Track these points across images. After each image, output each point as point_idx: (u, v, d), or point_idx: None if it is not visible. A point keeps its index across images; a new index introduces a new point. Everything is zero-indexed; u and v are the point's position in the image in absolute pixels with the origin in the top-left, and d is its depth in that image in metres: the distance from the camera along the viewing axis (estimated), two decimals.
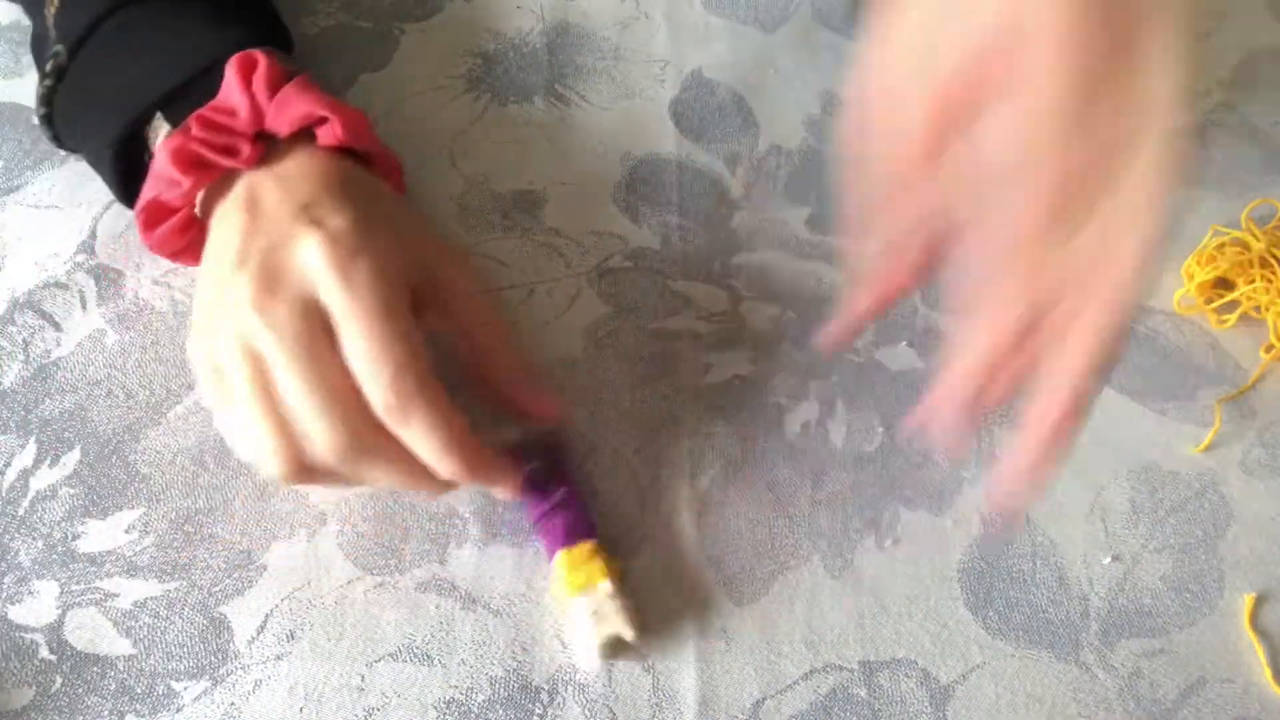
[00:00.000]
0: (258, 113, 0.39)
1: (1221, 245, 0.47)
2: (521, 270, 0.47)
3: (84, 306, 0.46)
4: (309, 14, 0.55)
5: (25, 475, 0.42)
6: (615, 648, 0.39)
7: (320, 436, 0.35)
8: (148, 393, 0.44)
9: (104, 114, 0.42)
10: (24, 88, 0.52)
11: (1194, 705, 0.39)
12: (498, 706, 0.38)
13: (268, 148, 0.40)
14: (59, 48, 0.43)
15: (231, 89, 0.40)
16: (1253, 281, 0.46)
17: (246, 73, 0.40)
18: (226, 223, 0.38)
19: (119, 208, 0.48)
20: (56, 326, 0.45)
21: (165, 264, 0.46)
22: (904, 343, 0.46)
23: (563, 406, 0.42)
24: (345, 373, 0.35)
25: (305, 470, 0.35)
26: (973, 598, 0.41)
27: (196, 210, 0.41)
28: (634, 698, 0.39)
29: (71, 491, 0.42)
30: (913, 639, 0.40)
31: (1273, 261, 0.46)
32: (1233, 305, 0.47)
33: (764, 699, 0.39)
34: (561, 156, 0.51)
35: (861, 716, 0.39)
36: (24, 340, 0.45)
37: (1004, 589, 0.41)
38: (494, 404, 0.41)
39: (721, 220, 0.49)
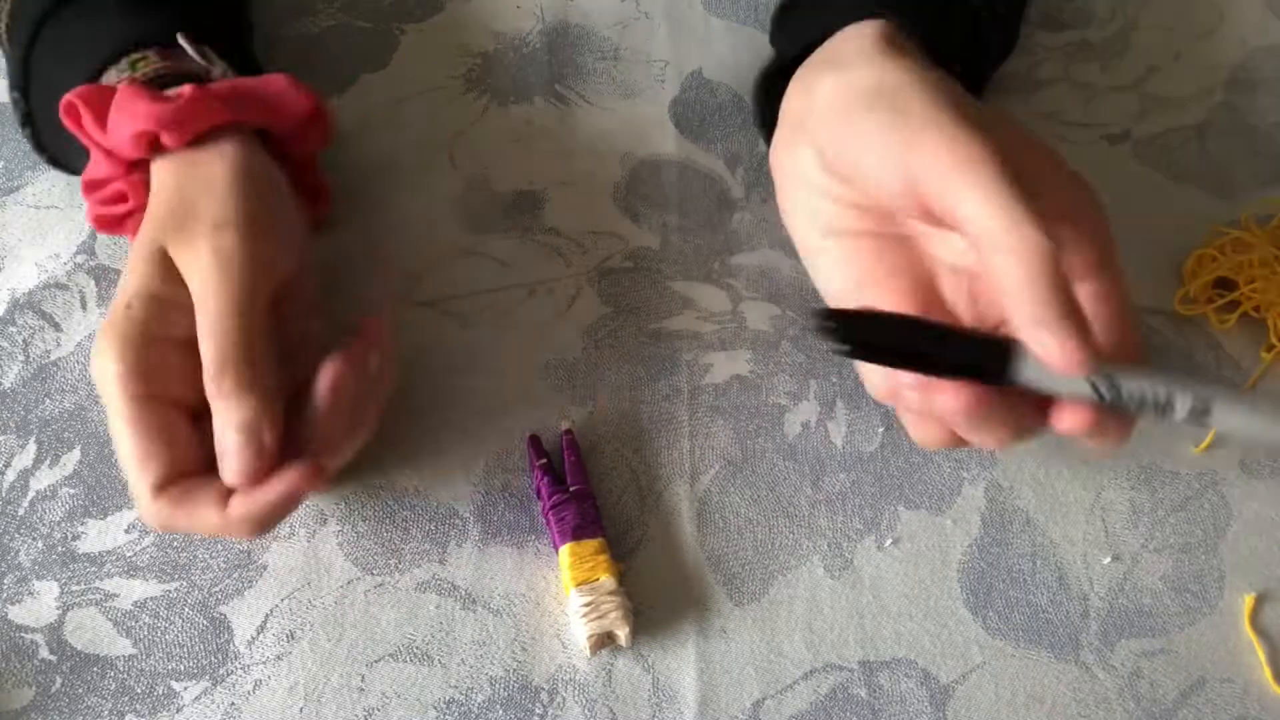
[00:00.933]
0: (110, 153, 0.40)
1: (1221, 245, 0.47)
2: (521, 270, 0.47)
3: (84, 307, 0.46)
4: (309, 14, 0.55)
5: (25, 475, 0.42)
6: (606, 644, 0.39)
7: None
8: None
9: (59, 138, 0.43)
10: None
11: (1194, 705, 0.39)
12: (498, 706, 0.38)
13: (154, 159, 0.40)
14: (15, 94, 0.44)
15: (84, 138, 0.41)
16: (1253, 281, 0.46)
17: (76, 120, 0.40)
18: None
19: None
20: (56, 327, 0.45)
21: None
22: None
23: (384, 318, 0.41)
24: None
25: None
26: (973, 598, 0.41)
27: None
28: (634, 698, 0.39)
29: (71, 491, 0.42)
30: (913, 639, 0.40)
31: (1273, 261, 0.46)
32: (1233, 305, 0.47)
33: (764, 699, 0.39)
34: (561, 156, 0.51)
35: (861, 716, 0.39)
36: (24, 340, 0.45)
37: (1004, 589, 0.41)
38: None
39: (721, 220, 0.49)
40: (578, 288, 0.47)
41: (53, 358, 0.45)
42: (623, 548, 0.41)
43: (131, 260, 0.38)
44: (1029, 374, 0.32)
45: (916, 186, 0.34)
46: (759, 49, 0.54)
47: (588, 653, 0.39)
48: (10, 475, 0.42)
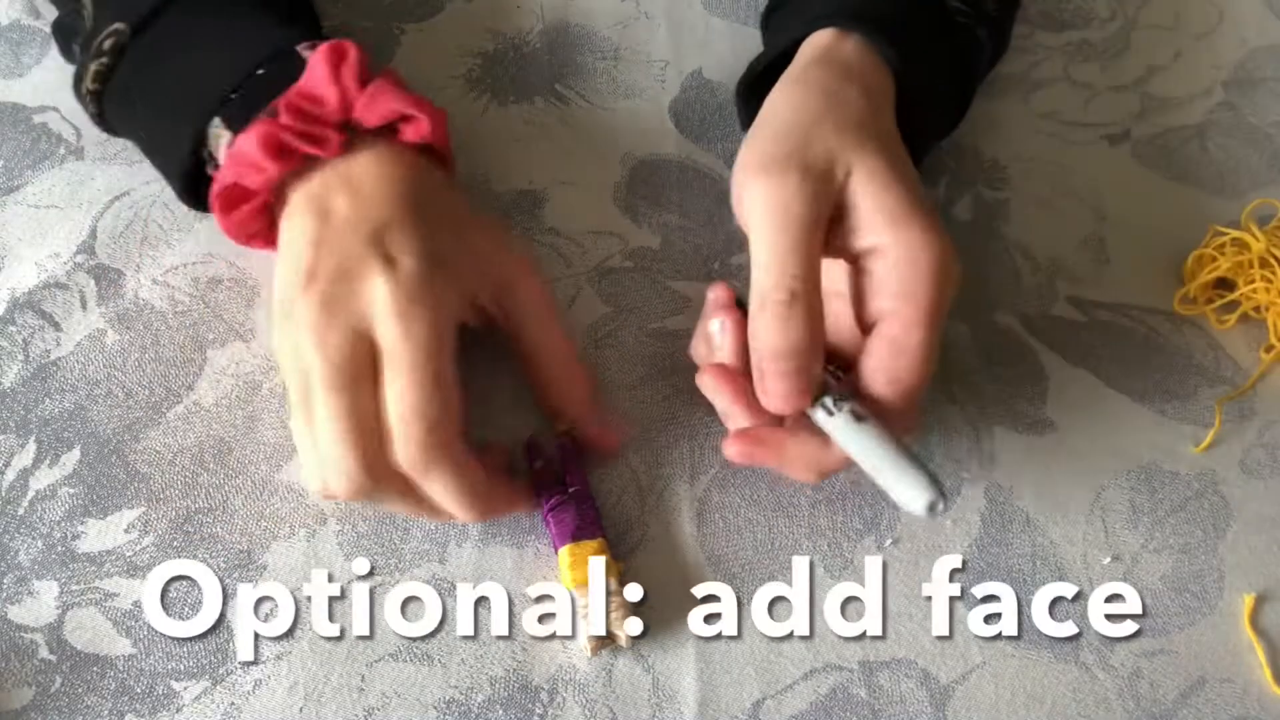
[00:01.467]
0: (347, 103, 0.39)
1: (1221, 245, 0.47)
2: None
3: (84, 306, 0.46)
4: None
5: (25, 475, 0.42)
6: (606, 645, 0.39)
7: (333, 466, 0.35)
8: (148, 393, 0.44)
9: (174, 110, 0.42)
10: (24, 88, 0.52)
11: (1194, 705, 0.39)
12: (498, 706, 0.38)
13: (348, 140, 0.40)
14: (120, 25, 0.42)
15: (320, 78, 0.39)
16: (1253, 281, 0.46)
17: (335, 63, 0.40)
18: (296, 228, 0.38)
19: (119, 207, 0.48)
20: (56, 326, 0.45)
21: (165, 264, 0.46)
22: None
23: (625, 435, 0.43)
24: (377, 410, 0.35)
25: (330, 492, 0.36)
26: (973, 597, 0.41)
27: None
28: (634, 698, 0.39)
29: (71, 491, 0.42)
30: (912, 639, 0.40)
31: (1273, 261, 0.46)
32: (1233, 305, 0.47)
33: (764, 699, 0.39)
34: (561, 156, 0.51)
35: (861, 716, 0.39)
36: (24, 340, 0.45)
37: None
38: (553, 419, 0.43)
39: (721, 220, 0.49)
40: (578, 288, 0.47)
41: (53, 357, 0.45)
42: (623, 548, 0.41)
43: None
44: None
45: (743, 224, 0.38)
46: (759, 49, 0.54)
47: (588, 654, 0.39)
48: (10, 475, 0.42)
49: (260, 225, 0.41)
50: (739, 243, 0.48)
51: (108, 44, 0.42)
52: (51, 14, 0.47)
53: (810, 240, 0.35)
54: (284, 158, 0.39)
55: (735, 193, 0.39)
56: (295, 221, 0.38)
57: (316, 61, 0.40)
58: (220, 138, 0.40)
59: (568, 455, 0.42)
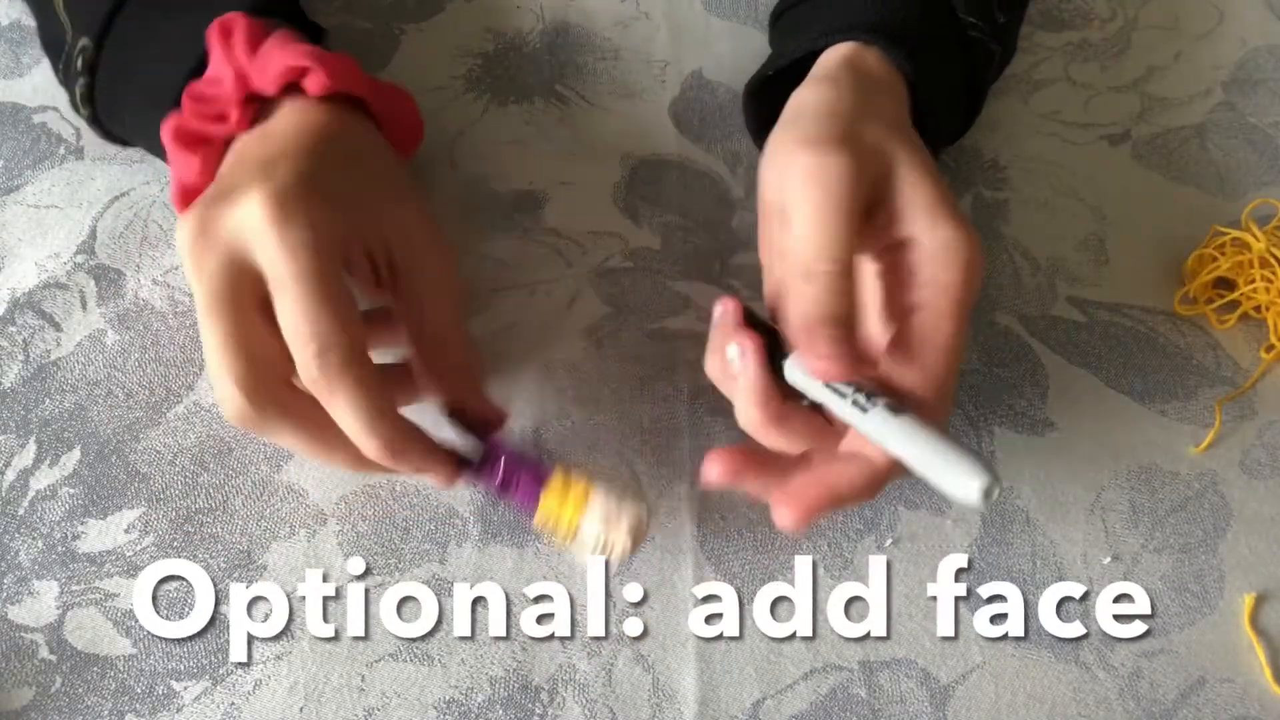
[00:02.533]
0: (242, 75, 0.39)
1: (1221, 245, 0.47)
2: (521, 270, 0.47)
3: (84, 306, 0.46)
4: (309, 14, 0.55)
5: (25, 475, 0.42)
6: (640, 531, 0.38)
7: (220, 394, 0.35)
8: (148, 393, 0.44)
9: (144, 110, 0.42)
10: (24, 88, 0.52)
11: (1194, 705, 0.39)
12: (498, 706, 0.38)
13: (262, 108, 0.39)
14: (85, 41, 0.43)
15: (216, 58, 0.40)
16: (1253, 281, 0.46)
17: (225, 37, 0.40)
18: (212, 185, 0.38)
19: (119, 207, 0.48)
20: (56, 326, 0.45)
21: (165, 264, 0.46)
22: None
23: (506, 413, 0.40)
24: (264, 333, 0.35)
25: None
26: (973, 598, 0.41)
27: None
28: (634, 698, 0.39)
29: (71, 491, 0.42)
30: (913, 639, 0.40)
31: (1273, 261, 0.46)
32: (1233, 305, 0.47)
33: (764, 699, 0.39)
34: (561, 156, 0.51)
35: (861, 716, 0.39)
36: (24, 340, 0.45)
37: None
38: (439, 395, 0.39)
39: (721, 220, 0.49)
40: (578, 288, 0.47)
41: (53, 358, 0.45)
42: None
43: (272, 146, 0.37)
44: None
45: (779, 201, 0.37)
46: (759, 49, 0.54)
47: (630, 552, 0.38)
48: (10, 475, 0.42)
49: None
50: (739, 243, 0.48)
51: (79, 63, 0.43)
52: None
53: (854, 216, 0.35)
54: (201, 145, 0.39)
55: (767, 174, 0.38)
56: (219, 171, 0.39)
57: (211, 43, 0.40)
58: None
59: (479, 434, 0.39)
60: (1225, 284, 0.47)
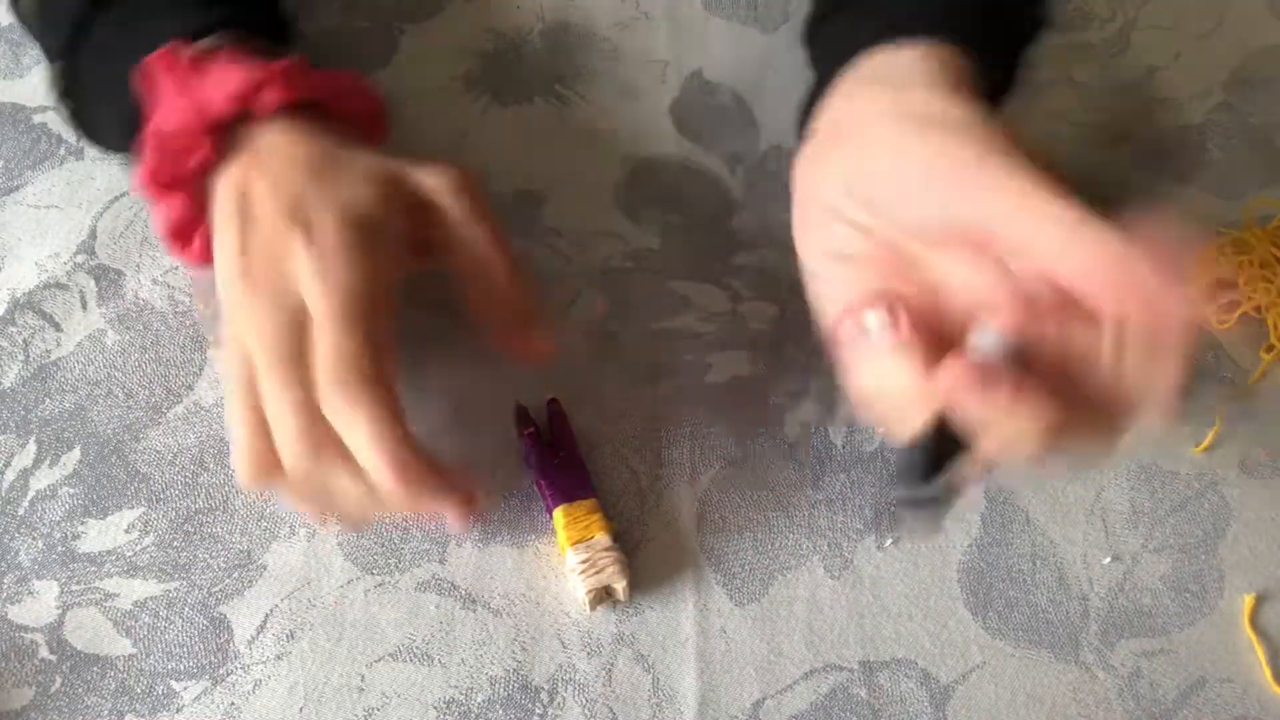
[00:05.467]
0: (198, 105, 0.39)
1: (1221, 245, 0.47)
2: (521, 270, 0.47)
3: (84, 306, 0.46)
4: (309, 14, 0.55)
5: (25, 475, 0.42)
6: (604, 600, 0.40)
7: (280, 437, 0.35)
8: (148, 393, 0.44)
9: (115, 143, 0.42)
10: (24, 88, 0.52)
11: (1194, 705, 0.39)
12: (498, 706, 0.38)
13: (233, 130, 0.39)
14: (58, 67, 0.43)
15: (165, 93, 0.39)
16: (1253, 281, 0.46)
17: (168, 71, 0.39)
18: (226, 231, 0.38)
19: (119, 207, 0.48)
20: (56, 326, 0.45)
21: (165, 264, 0.46)
22: None
23: (553, 345, 0.41)
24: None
25: (264, 472, 0.35)
26: (973, 598, 0.41)
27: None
28: (634, 698, 0.39)
29: (71, 491, 0.42)
30: (913, 639, 0.40)
31: (1273, 261, 0.46)
32: (1233, 305, 0.47)
33: (764, 699, 0.39)
34: (561, 156, 0.51)
35: (861, 716, 0.39)
36: (24, 340, 0.45)
37: (1004, 589, 0.41)
38: (496, 343, 0.40)
39: (721, 220, 0.49)
40: (578, 288, 0.47)
41: (53, 358, 0.45)
42: (623, 548, 0.41)
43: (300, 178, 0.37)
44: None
45: (969, 223, 0.32)
46: (759, 49, 0.54)
47: (587, 609, 0.39)
48: (10, 475, 0.42)
49: None
50: (739, 243, 0.48)
51: (56, 92, 0.43)
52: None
53: None
54: (178, 186, 0.39)
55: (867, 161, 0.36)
56: (224, 228, 0.38)
57: (156, 79, 0.39)
58: None
59: (556, 420, 0.42)
60: (1225, 284, 0.47)
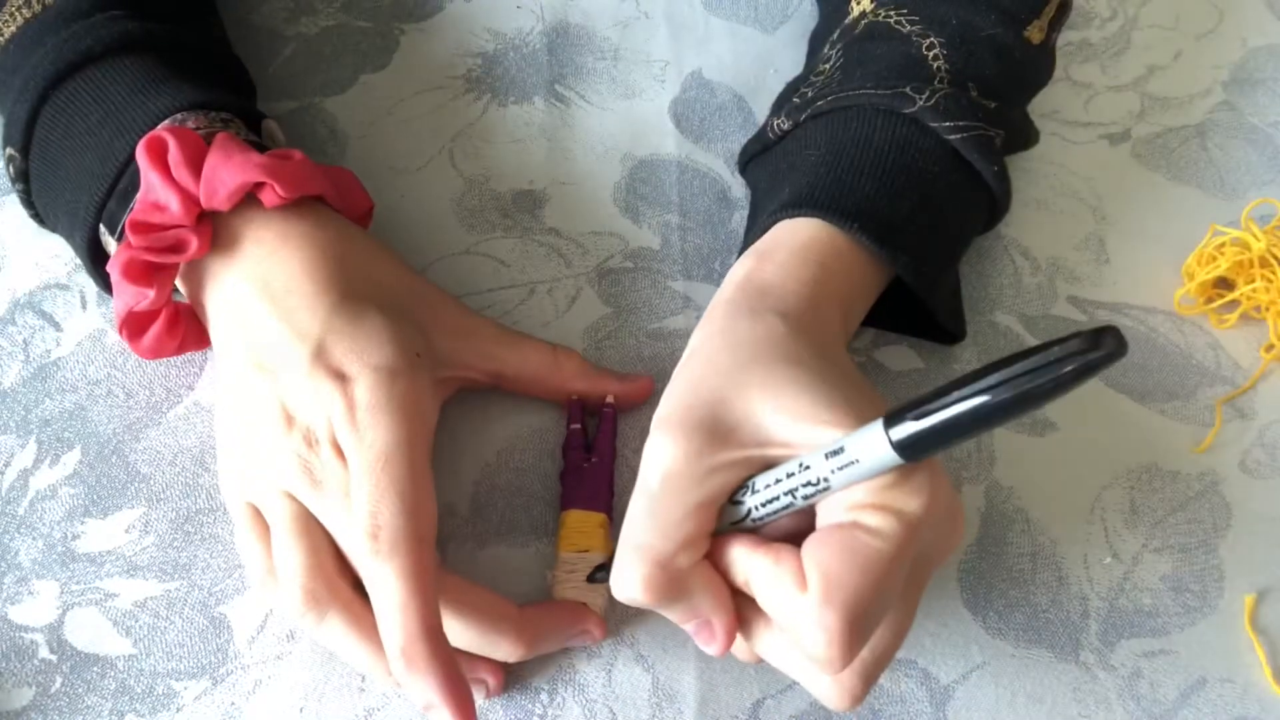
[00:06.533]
0: (189, 198, 0.37)
1: (1221, 245, 0.47)
2: (521, 270, 0.47)
3: (84, 306, 0.46)
4: (309, 14, 0.55)
5: (25, 475, 0.42)
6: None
7: (284, 574, 0.36)
8: (148, 393, 0.44)
9: (67, 225, 0.41)
10: None
11: (1194, 705, 0.39)
12: (498, 706, 0.38)
13: (218, 224, 0.38)
14: (11, 151, 0.42)
15: (152, 182, 0.37)
16: (1253, 281, 0.46)
17: (160, 158, 0.37)
18: (231, 354, 0.38)
19: None
20: (56, 326, 0.45)
21: None
22: (904, 343, 0.46)
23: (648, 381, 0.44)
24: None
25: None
26: (973, 598, 0.41)
27: (180, 298, 0.41)
28: (634, 698, 0.39)
29: (71, 491, 0.42)
30: (913, 639, 0.40)
31: (1273, 261, 0.46)
32: (1233, 305, 0.47)
33: (764, 699, 0.39)
34: (561, 156, 0.51)
35: (861, 717, 0.38)
36: (24, 340, 0.45)
37: (1004, 589, 0.41)
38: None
39: (721, 220, 0.49)
40: (578, 288, 0.47)
41: (53, 357, 0.45)
42: None
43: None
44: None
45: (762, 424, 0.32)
46: (759, 49, 0.54)
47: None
48: (10, 475, 0.42)
49: (178, 340, 0.40)
50: (739, 243, 0.48)
51: (12, 171, 0.42)
52: None
53: None
54: (156, 275, 0.38)
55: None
56: (227, 348, 0.38)
57: (142, 165, 0.37)
58: (112, 247, 0.40)
59: (604, 424, 0.42)
60: (1225, 284, 0.47)
